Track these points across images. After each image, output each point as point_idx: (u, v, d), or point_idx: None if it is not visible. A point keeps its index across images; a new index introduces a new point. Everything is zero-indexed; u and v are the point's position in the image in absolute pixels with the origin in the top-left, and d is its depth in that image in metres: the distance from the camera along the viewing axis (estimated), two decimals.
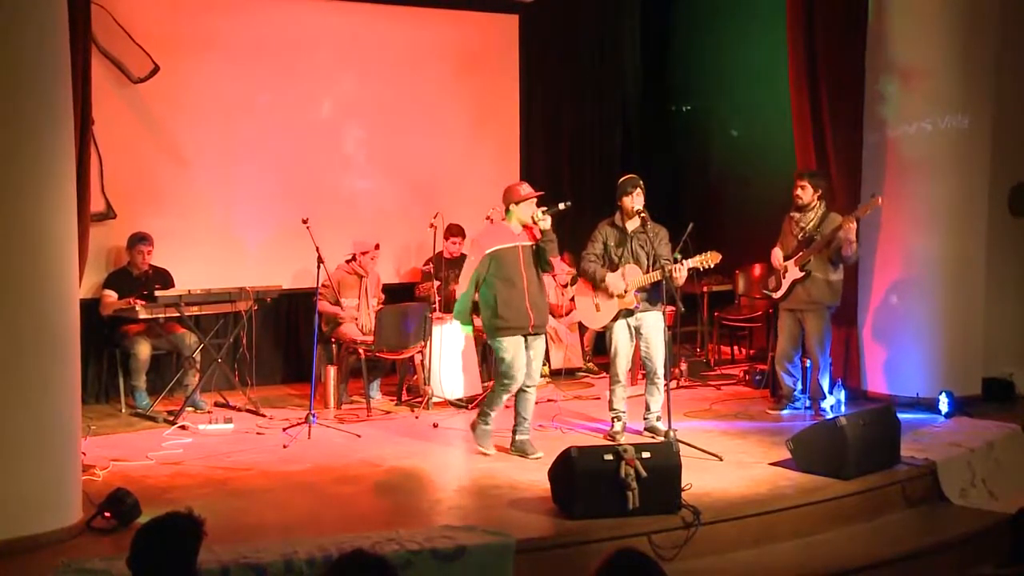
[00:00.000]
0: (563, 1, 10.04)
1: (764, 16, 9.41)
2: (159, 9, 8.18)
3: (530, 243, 6.43)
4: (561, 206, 6.45)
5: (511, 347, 6.38)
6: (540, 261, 6.43)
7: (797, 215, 7.33)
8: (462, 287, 6.60)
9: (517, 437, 6.50)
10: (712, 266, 6.66)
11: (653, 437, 6.64)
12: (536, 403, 7.93)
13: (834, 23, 7.80)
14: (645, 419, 6.91)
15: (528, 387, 6.51)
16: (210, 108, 8.46)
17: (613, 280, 6.67)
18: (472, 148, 9.66)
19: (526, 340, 6.43)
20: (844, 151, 7.84)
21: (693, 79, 10.82)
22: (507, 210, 6.48)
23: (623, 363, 6.84)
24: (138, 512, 5.03)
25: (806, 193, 7.25)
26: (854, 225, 7.03)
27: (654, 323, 6.76)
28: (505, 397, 6.50)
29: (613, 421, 6.86)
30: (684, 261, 6.56)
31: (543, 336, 6.60)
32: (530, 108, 9.97)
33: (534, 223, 6.37)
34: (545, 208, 6.38)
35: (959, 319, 7.76)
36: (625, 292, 6.67)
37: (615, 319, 6.77)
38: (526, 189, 6.46)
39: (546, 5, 9.84)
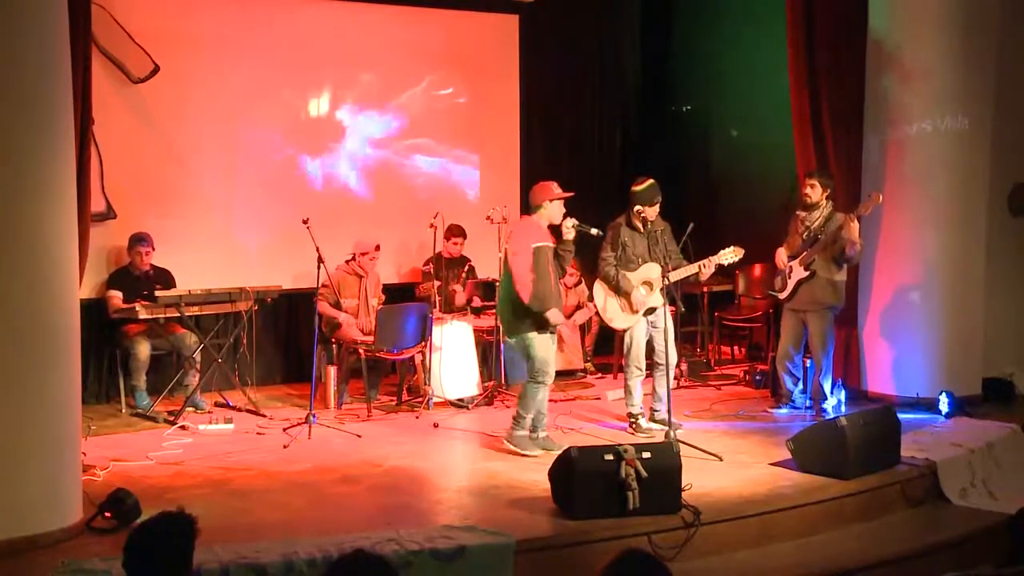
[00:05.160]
0: (563, 1, 10.04)
1: (764, 16, 9.40)
2: (159, 9, 8.17)
3: (552, 245, 6.51)
4: (593, 231, 6.56)
5: (543, 344, 6.42)
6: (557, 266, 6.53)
7: (803, 214, 7.33)
8: (523, 278, 6.27)
9: (540, 434, 6.51)
10: (737, 260, 6.91)
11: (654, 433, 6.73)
12: None
13: (834, 23, 7.80)
14: (655, 411, 6.97)
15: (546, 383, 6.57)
16: (210, 108, 8.45)
17: (637, 297, 6.82)
18: (472, 148, 9.66)
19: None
20: (844, 151, 7.84)
21: (693, 79, 10.81)
22: (537, 207, 6.47)
23: (642, 354, 6.95)
24: (138, 512, 5.02)
25: (815, 192, 7.25)
26: (856, 224, 7.03)
27: (664, 314, 6.88)
28: (541, 395, 6.47)
29: (639, 417, 6.91)
30: (711, 258, 6.81)
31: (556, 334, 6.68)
32: (530, 108, 9.97)
33: (562, 228, 6.44)
34: (576, 223, 6.44)
35: (959, 319, 7.75)
36: (651, 292, 6.84)
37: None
38: (558, 188, 6.50)
39: (546, 5, 9.83)
